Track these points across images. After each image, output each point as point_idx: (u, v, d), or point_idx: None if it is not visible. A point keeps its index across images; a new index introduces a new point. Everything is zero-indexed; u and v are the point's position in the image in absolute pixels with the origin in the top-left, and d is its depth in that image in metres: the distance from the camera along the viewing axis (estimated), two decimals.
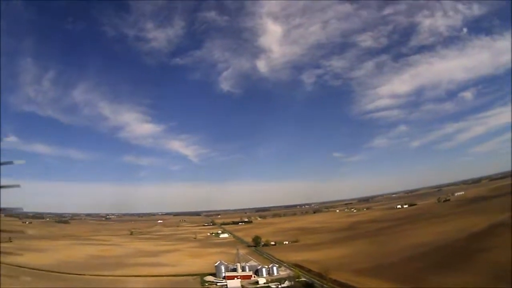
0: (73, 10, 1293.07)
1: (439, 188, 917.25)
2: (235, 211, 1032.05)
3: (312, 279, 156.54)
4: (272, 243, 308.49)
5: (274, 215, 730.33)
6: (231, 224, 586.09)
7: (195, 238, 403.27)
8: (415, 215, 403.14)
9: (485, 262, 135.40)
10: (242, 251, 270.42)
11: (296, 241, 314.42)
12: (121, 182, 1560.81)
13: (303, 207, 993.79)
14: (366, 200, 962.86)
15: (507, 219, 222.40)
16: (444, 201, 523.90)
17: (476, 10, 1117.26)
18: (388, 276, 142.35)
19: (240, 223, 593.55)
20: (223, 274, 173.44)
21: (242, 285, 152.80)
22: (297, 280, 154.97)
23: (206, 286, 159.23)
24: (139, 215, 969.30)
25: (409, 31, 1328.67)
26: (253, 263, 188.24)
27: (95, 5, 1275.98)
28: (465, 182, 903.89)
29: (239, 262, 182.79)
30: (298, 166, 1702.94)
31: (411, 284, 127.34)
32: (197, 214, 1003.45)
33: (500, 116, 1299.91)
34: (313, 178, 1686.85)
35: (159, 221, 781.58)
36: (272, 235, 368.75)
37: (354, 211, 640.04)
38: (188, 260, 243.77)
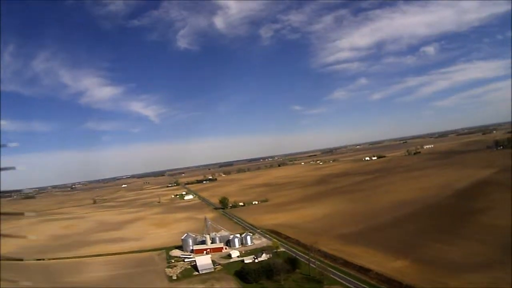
0: None
1: (404, 140, 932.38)
2: (199, 167, 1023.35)
3: (294, 250, 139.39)
4: (241, 203, 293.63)
5: (239, 171, 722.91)
6: (196, 183, 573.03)
7: (159, 203, 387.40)
8: (388, 168, 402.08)
9: (484, 226, 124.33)
10: (210, 215, 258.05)
11: (265, 201, 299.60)
12: (85, 149, 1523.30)
13: (267, 160, 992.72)
14: (329, 151, 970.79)
15: (491, 177, 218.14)
16: (414, 153, 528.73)
17: None
18: (381, 243, 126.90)
19: (204, 182, 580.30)
20: (191, 248, 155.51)
21: (212, 260, 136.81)
22: (275, 251, 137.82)
23: (173, 263, 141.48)
24: (104, 181, 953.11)
25: None
26: (223, 232, 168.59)
27: None
28: (431, 136, 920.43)
29: (208, 233, 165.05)
30: (259, 120, 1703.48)
31: (412, 253, 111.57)
32: (161, 174, 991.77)
33: (464, 72, 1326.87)
34: (275, 132, 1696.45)
35: (124, 185, 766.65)
36: (239, 193, 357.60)
37: (320, 163, 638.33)
38: (153, 231, 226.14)
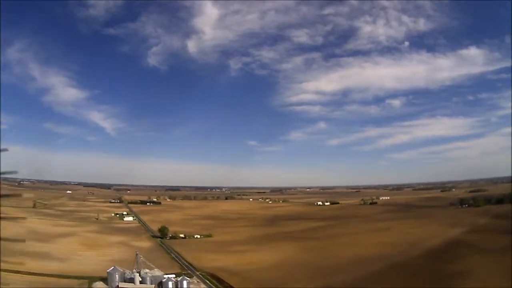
0: None
1: (357, 189, 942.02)
2: (146, 187, 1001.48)
3: None
4: (182, 235, 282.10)
5: (184, 197, 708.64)
6: (139, 203, 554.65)
7: (97, 219, 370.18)
8: (344, 216, 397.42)
9: None
10: (146, 244, 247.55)
11: (209, 236, 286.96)
12: (40, 147, 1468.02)
13: (214, 190, 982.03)
14: (279, 190, 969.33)
15: (463, 237, 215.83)
16: (370, 203, 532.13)
17: (422, 25, 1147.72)
18: None
19: (148, 203, 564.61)
20: (117, 284, 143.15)
21: None
22: None
23: None
24: (52, 182, 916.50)
25: (347, 34, 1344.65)
26: (156, 272, 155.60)
27: None
28: (385, 187, 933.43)
29: (138, 270, 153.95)
30: (212, 149, 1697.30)
31: None
32: (108, 187, 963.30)
33: (426, 127, 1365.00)
34: (226, 163, 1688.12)
35: (68, 191, 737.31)
36: (181, 223, 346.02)
37: (270, 202, 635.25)
38: (82, 252, 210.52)
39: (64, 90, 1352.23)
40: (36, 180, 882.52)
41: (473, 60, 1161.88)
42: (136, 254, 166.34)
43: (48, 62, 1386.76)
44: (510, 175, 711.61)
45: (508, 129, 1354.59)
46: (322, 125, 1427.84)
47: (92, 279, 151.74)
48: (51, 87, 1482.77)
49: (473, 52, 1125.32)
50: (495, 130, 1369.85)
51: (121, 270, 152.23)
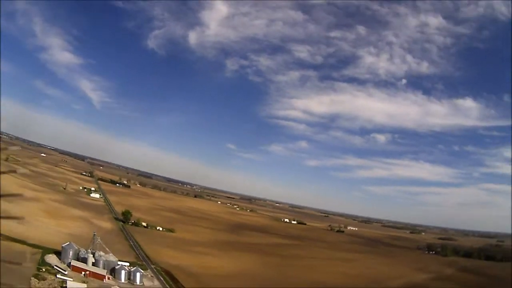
0: None
1: (326, 214, 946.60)
2: (119, 167, 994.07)
3: None
4: (144, 224, 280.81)
5: (154, 186, 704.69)
6: (109, 182, 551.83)
7: (64, 189, 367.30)
8: (310, 238, 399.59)
9: None
10: (107, 225, 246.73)
11: (171, 230, 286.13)
12: (25, 104, 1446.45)
13: (185, 186, 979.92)
14: (248, 199, 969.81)
15: (428, 283, 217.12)
16: (337, 231, 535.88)
17: (424, 68, 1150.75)
18: None
19: (118, 184, 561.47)
20: (69, 261, 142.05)
21: None
22: None
23: (43, 273, 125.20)
24: (29, 142, 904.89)
25: (348, 60, 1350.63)
26: (111, 257, 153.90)
27: None
28: (354, 217, 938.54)
29: (93, 251, 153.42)
30: (191, 143, 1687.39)
31: None
32: (82, 158, 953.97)
33: (407, 168, 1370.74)
34: (202, 160, 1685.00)
35: (42, 154, 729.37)
36: (146, 211, 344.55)
37: (237, 208, 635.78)
38: (42, 219, 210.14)
39: (60, 53, 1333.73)
40: (14, 135, 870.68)
41: (467, 112, 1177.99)
42: (94, 234, 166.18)
43: (50, 21, 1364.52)
44: (481, 230, 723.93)
45: (487, 185, 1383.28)
46: (303, 144, 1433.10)
47: (46, 250, 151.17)
48: (48, 47, 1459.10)
49: (468, 103, 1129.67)
50: (475, 183, 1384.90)
51: (76, 247, 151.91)
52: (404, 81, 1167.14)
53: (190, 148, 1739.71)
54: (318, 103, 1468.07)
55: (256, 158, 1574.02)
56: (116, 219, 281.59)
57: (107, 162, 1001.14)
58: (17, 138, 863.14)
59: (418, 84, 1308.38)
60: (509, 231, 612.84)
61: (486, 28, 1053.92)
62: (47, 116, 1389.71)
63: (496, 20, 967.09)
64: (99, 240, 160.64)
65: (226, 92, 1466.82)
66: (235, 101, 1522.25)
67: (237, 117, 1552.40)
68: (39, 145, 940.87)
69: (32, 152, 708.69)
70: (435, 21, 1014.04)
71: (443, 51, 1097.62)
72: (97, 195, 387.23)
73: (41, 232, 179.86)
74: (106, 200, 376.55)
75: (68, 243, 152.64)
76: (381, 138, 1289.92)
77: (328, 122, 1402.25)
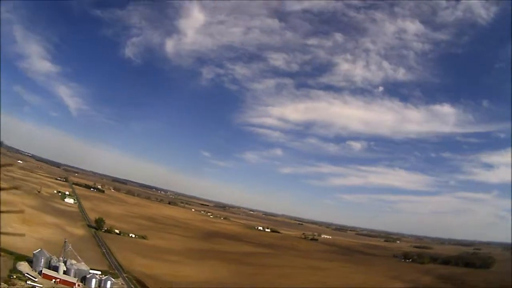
0: None
1: (299, 221, 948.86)
2: (94, 174, 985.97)
3: None
4: (117, 231, 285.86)
5: (128, 192, 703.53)
6: (84, 187, 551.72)
7: (39, 192, 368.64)
8: (283, 246, 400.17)
9: None
10: (79, 232, 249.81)
11: (144, 237, 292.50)
12: (5, 111, 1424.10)
13: (159, 192, 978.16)
14: (222, 207, 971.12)
15: None
16: (311, 239, 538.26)
17: (401, 74, 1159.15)
18: None
19: (92, 189, 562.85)
20: (41, 269, 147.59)
21: None
22: None
23: (13, 279, 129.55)
24: (7, 148, 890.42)
25: (324, 67, 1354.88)
26: (82, 266, 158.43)
27: None
28: (327, 225, 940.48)
29: (64, 259, 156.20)
30: (166, 150, 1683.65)
31: None
32: (58, 165, 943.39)
33: (382, 176, 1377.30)
34: (176, 167, 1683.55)
35: (19, 161, 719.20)
36: (120, 218, 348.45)
37: (211, 216, 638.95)
38: (15, 224, 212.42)
39: (39, 61, 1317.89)
40: None
41: (444, 118, 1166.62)
42: (65, 241, 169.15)
43: (31, 28, 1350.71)
44: (457, 238, 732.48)
45: (463, 194, 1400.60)
46: (278, 151, 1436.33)
47: (18, 256, 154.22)
48: (28, 56, 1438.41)
49: (446, 109, 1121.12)
50: (451, 192, 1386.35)
51: (48, 255, 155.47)
52: (380, 88, 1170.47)
53: (165, 155, 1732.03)
54: (294, 110, 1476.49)
55: (231, 166, 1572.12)
56: (89, 226, 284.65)
57: (82, 169, 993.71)
58: None
59: (394, 91, 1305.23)
60: (484, 239, 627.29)
61: (465, 33, 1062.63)
62: (25, 122, 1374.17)
63: (475, 24, 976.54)
64: (70, 247, 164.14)
65: (202, 100, 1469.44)
66: (210, 109, 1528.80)
67: (212, 124, 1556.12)
68: (18, 150, 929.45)
69: (9, 158, 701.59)
70: (413, 27, 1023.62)
71: (421, 57, 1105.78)
72: (71, 201, 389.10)
73: (13, 238, 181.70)
74: (80, 205, 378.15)
75: (39, 250, 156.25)
76: (357, 145, 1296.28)
77: (303, 130, 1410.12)
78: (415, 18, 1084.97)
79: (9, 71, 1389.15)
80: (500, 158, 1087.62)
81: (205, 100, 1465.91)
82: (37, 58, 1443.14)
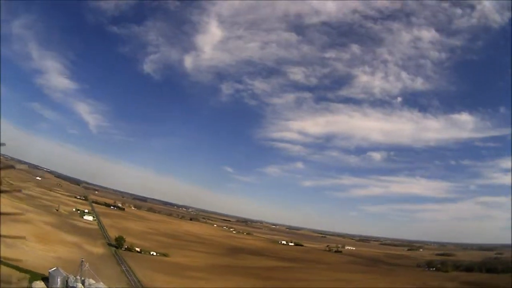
0: None
1: (323, 234, 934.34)
2: (115, 191, 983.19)
3: None
4: (138, 249, 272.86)
5: (149, 209, 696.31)
6: (103, 205, 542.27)
7: (57, 210, 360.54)
8: (307, 259, 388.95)
9: None
10: (99, 250, 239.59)
11: (166, 255, 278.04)
12: (22, 126, 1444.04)
13: (181, 208, 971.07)
14: (244, 222, 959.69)
15: None
16: (335, 251, 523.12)
17: (419, 84, 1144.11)
18: None
19: (112, 207, 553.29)
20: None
21: None
22: None
23: None
24: (26, 164, 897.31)
25: (343, 80, 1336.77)
26: (101, 285, 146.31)
27: None
28: (351, 237, 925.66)
29: (82, 279, 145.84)
30: (187, 167, 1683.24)
31: None
32: (77, 182, 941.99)
33: (403, 185, 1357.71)
34: (198, 183, 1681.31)
35: (38, 178, 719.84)
36: (140, 235, 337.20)
37: (234, 231, 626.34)
38: (31, 242, 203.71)
39: (56, 77, 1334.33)
40: (10, 157, 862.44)
41: (462, 126, 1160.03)
42: (82, 261, 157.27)
43: (47, 45, 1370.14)
44: (478, 242, 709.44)
45: (484, 198, 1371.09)
46: (299, 165, 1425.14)
47: (34, 275, 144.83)
48: (45, 71, 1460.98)
49: (464, 117, 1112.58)
50: (471, 197, 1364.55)
51: (64, 274, 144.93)
52: (399, 99, 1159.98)
53: (186, 171, 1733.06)
54: (314, 124, 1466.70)
55: (253, 181, 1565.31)
56: (109, 244, 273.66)
57: (102, 187, 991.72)
58: (12, 159, 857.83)
59: (413, 101, 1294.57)
60: (506, 242, 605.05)
61: (479, 38, 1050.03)
62: (44, 139, 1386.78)
63: (489, 29, 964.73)
64: (87, 266, 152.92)
65: (222, 115, 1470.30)
66: (231, 124, 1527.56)
67: (233, 140, 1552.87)
68: (35, 167, 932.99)
69: (28, 174, 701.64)
70: (428, 34, 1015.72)
71: (437, 65, 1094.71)
72: (90, 218, 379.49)
73: (29, 255, 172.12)
74: (99, 223, 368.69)
75: (55, 268, 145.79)
76: (377, 156, 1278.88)
77: (323, 143, 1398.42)
78: (430, 26, 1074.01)
79: (26, 87, 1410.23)
80: None
81: (225, 115, 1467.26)
82: (54, 74, 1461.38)
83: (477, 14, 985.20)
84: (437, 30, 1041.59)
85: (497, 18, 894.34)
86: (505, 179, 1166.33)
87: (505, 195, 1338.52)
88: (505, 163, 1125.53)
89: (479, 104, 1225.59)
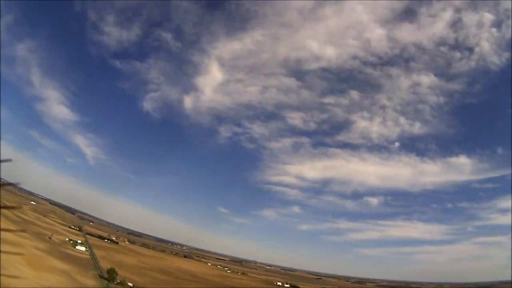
0: None
1: (318, 276, 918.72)
2: (109, 224, 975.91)
3: None
4: (130, 284, 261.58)
5: (143, 245, 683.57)
6: (97, 237, 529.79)
7: (50, 238, 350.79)
8: None
9: None
10: (90, 283, 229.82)
11: None
12: (20, 151, 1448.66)
13: (175, 246, 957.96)
14: (239, 261, 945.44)
15: None
16: None
17: (417, 128, 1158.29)
18: None
19: (106, 240, 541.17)
20: None
21: None
22: None
23: None
24: (22, 190, 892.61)
25: (341, 126, 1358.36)
26: None
27: None
28: (347, 279, 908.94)
29: None
30: (182, 205, 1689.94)
31: None
32: (72, 212, 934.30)
33: (399, 229, 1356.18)
34: (193, 222, 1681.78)
35: (32, 202, 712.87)
36: (133, 270, 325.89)
37: (228, 271, 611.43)
38: (21, 267, 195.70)
39: (56, 106, 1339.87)
40: (5, 180, 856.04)
41: (460, 168, 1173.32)
42: None
43: (50, 73, 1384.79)
44: (476, 280, 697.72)
45: (481, 239, 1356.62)
46: (296, 209, 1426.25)
47: None
48: (45, 98, 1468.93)
49: (462, 160, 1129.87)
50: (469, 238, 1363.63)
51: None
52: (397, 144, 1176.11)
53: (181, 210, 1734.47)
54: (311, 168, 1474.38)
55: (248, 222, 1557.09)
56: (100, 276, 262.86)
57: (97, 218, 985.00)
58: (8, 183, 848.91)
59: (411, 146, 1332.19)
60: (503, 279, 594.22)
61: (478, 81, 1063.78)
62: (40, 166, 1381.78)
63: (487, 71, 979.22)
64: None
65: (220, 157, 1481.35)
66: (228, 166, 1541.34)
67: (230, 182, 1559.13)
68: (32, 193, 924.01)
69: (24, 199, 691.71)
70: (427, 79, 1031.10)
71: (436, 110, 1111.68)
72: (83, 248, 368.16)
73: (19, 280, 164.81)
74: (91, 254, 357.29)
75: None
76: (374, 201, 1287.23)
77: (320, 187, 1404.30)
78: (429, 71, 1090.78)
79: (27, 113, 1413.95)
80: None
81: (223, 157, 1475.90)
82: (54, 103, 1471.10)
83: (476, 56, 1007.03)
84: (436, 74, 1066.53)
85: (495, 60, 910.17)
86: (503, 219, 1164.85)
87: (504, 234, 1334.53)
88: (503, 203, 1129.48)
89: (477, 146, 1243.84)
